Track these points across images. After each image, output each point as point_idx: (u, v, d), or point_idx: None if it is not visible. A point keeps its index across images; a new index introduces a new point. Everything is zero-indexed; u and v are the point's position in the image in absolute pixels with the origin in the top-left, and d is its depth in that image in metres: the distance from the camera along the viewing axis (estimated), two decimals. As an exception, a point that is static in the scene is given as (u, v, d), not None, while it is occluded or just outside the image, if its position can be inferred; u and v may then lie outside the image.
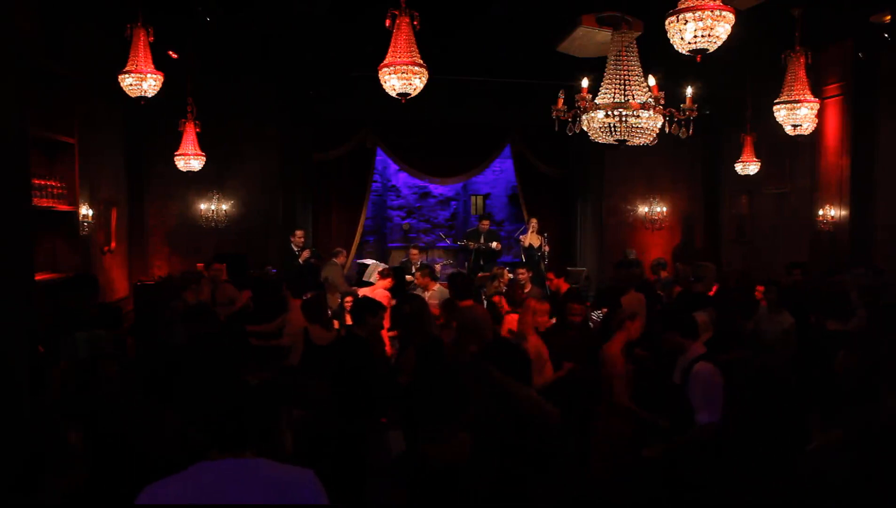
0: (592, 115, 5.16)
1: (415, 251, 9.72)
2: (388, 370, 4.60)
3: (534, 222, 10.69)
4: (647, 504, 4.05)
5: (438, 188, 13.51)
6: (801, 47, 6.26)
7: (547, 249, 10.48)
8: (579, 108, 5.23)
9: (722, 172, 11.34)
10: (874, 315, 5.32)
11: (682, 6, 3.86)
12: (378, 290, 7.27)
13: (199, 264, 9.10)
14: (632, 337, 4.60)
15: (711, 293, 6.67)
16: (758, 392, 4.92)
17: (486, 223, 10.70)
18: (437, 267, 9.31)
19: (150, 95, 5.93)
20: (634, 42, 5.33)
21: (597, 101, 5.19)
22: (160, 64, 6.06)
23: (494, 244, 10.49)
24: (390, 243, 13.41)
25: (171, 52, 7.79)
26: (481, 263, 10.29)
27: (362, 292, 7.47)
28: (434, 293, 7.10)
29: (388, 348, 6.01)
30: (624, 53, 5.22)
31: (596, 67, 5.46)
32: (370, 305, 4.67)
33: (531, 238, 10.61)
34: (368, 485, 4.08)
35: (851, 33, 8.00)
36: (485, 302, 9.55)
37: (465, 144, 11.47)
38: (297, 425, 2.90)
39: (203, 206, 10.31)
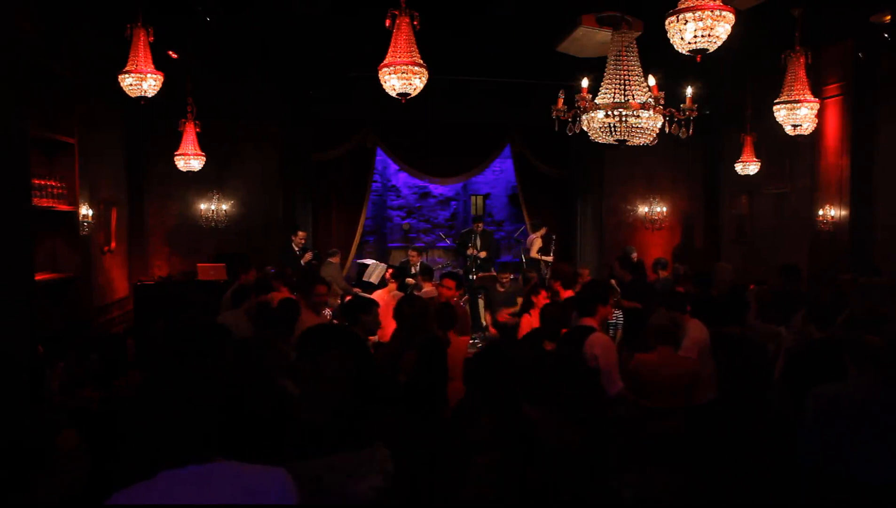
0: (592, 115, 5.15)
1: (414, 253, 9.71)
2: (389, 369, 4.60)
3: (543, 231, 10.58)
4: None
5: (438, 188, 13.51)
6: (801, 47, 6.25)
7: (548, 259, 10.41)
8: (579, 108, 5.23)
9: (722, 172, 11.34)
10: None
11: (682, 6, 3.86)
12: (387, 293, 7.26)
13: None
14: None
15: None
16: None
17: (479, 226, 10.32)
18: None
19: (150, 95, 5.92)
20: (634, 42, 5.32)
21: (597, 101, 5.18)
22: (160, 64, 6.05)
23: (482, 254, 10.07)
24: (390, 243, 13.41)
25: (171, 53, 7.79)
26: (479, 262, 10.24)
27: (376, 294, 7.47)
28: (425, 293, 7.12)
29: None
30: (624, 53, 5.21)
31: (596, 67, 5.45)
32: (361, 303, 4.64)
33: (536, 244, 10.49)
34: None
35: (851, 33, 8.00)
36: (481, 303, 9.58)
37: (465, 144, 11.44)
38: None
39: (203, 206, 10.31)
